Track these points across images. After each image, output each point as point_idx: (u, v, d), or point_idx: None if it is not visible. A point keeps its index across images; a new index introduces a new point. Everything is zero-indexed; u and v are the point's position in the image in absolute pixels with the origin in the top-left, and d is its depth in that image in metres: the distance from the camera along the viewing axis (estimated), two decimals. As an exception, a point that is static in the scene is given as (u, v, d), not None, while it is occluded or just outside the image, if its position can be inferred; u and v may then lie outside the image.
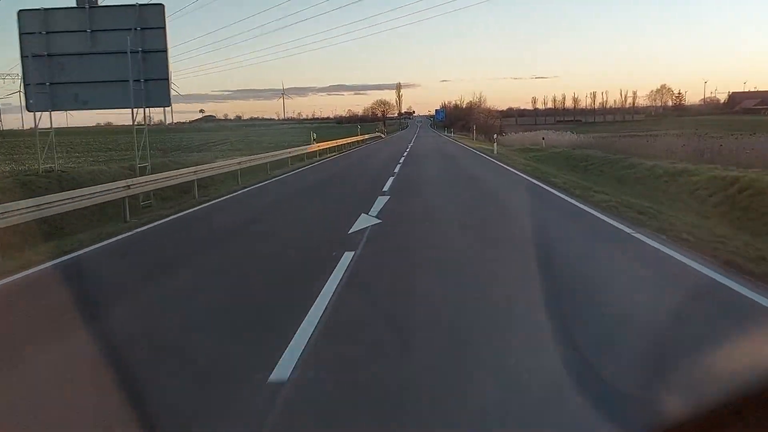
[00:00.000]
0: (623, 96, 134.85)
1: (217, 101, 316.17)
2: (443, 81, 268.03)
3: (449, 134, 67.82)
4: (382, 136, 66.56)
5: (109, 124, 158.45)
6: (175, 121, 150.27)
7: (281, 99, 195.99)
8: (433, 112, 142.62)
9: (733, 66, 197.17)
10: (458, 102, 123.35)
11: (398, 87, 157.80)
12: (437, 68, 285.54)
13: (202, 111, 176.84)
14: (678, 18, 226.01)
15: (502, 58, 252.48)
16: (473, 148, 32.76)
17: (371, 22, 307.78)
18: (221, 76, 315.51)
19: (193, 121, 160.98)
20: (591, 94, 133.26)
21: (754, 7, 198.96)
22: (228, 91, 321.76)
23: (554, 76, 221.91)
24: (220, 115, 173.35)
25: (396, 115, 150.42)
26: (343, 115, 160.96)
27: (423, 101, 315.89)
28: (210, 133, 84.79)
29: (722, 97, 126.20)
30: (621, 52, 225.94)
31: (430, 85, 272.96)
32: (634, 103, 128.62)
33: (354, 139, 41.63)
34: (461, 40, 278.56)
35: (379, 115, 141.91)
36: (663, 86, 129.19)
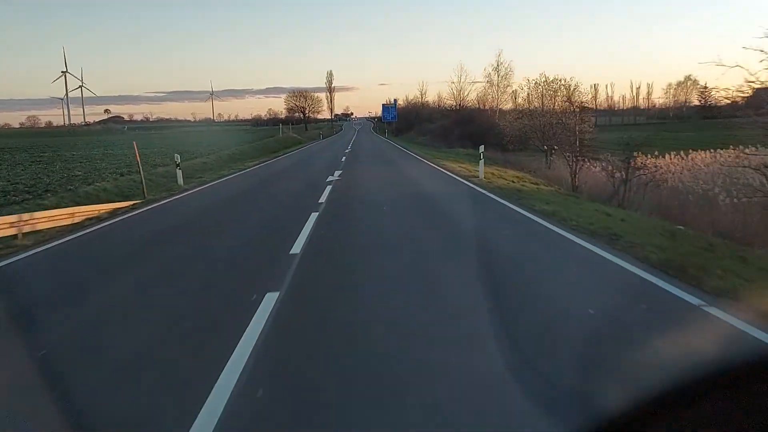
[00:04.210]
0: (634, 91, 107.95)
1: (151, 103, 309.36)
2: (382, 84, 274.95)
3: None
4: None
5: (7, 125, 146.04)
6: (86, 122, 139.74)
7: (217, 101, 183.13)
8: (374, 114, 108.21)
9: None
10: (418, 97, 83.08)
11: (329, 78, 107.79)
12: (376, 71, 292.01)
13: (107, 111, 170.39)
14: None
15: (441, 62, 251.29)
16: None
17: (307, 24, 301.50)
18: (156, 77, 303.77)
19: (90, 123, 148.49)
20: (593, 86, 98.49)
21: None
22: (163, 92, 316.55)
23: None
24: (126, 117, 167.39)
25: (330, 117, 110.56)
26: (262, 116, 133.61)
27: (361, 104, 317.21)
28: (72, 137, 68.30)
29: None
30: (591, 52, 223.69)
31: (369, 87, 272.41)
32: (649, 101, 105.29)
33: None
34: (401, 43, 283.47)
35: (300, 115, 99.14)
36: (687, 78, 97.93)
